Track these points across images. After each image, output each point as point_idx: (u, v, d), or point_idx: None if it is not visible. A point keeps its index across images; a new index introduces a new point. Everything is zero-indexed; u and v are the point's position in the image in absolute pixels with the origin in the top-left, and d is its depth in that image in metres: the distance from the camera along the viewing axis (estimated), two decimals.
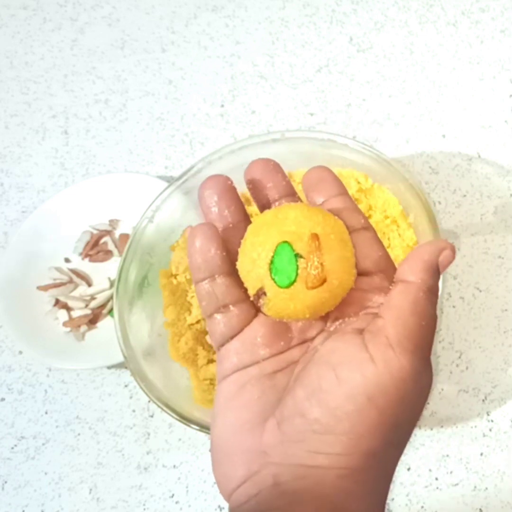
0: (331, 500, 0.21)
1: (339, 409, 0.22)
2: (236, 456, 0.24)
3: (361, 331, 0.23)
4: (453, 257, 0.24)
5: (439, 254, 0.24)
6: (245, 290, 0.26)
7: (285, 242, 0.24)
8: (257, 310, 0.27)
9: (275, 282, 0.24)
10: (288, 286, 0.24)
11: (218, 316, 0.26)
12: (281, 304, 0.25)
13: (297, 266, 0.24)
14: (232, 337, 0.26)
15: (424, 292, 0.23)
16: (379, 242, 0.26)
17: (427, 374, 0.23)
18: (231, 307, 0.26)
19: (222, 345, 0.26)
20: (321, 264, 0.24)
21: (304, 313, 0.25)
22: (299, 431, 0.22)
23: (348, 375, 0.22)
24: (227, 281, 0.26)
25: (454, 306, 0.50)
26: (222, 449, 0.24)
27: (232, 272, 0.26)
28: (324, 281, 0.24)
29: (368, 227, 0.27)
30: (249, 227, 0.26)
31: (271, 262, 0.24)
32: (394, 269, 0.25)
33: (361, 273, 0.26)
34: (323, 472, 0.22)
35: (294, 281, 0.24)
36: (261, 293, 0.25)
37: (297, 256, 0.24)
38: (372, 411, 0.21)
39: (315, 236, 0.24)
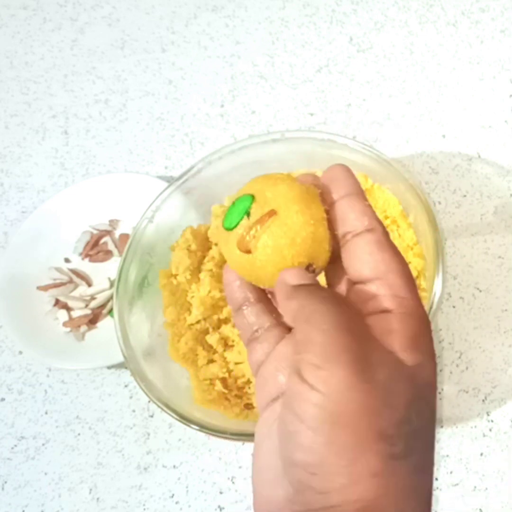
0: None
1: (314, 444, 0.21)
2: (266, 507, 0.24)
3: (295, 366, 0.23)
4: (297, 269, 0.24)
5: (284, 282, 0.24)
6: (277, 315, 0.27)
7: (251, 196, 0.25)
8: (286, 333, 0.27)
9: (224, 218, 0.26)
10: (227, 229, 0.25)
11: (251, 343, 0.27)
12: (220, 237, 0.26)
13: (239, 221, 0.25)
14: (263, 362, 0.26)
15: (302, 312, 0.22)
16: (385, 244, 0.24)
17: (385, 365, 0.22)
18: (261, 332, 0.26)
19: (256, 372, 0.26)
20: (254, 237, 0.24)
21: (234, 265, 0.26)
22: (300, 479, 0.22)
23: (301, 410, 0.21)
24: (258, 307, 0.27)
25: (454, 306, 0.50)
26: (255, 496, 0.25)
27: (263, 299, 0.27)
28: (248, 251, 0.24)
29: (373, 229, 0.24)
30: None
31: (233, 203, 0.25)
32: (398, 271, 0.24)
33: (358, 282, 0.24)
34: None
35: (231, 229, 0.25)
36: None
37: (248, 214, 0.25)
38: (344, 432, 0.20)
39: (272, 212, 0.24)
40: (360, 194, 0.26)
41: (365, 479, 0.20)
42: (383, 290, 0.23)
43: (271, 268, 0.24)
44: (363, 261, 0.24)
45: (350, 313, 0.22)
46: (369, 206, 0.25)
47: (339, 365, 0.21)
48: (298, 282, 0.23)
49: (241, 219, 0.25)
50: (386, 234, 0.25)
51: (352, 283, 0.25)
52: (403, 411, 0.21)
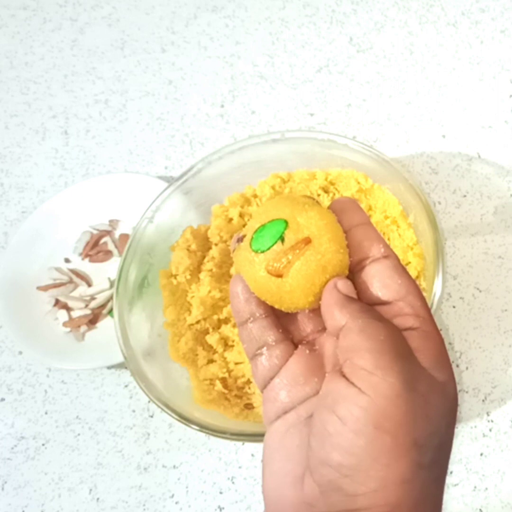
0: None
1: (353, 446, 0.22)
2: (284, 510, 0.24)
3: (340, 370, 0.24)
4: (346, 280, 0.25)
5: (337, 289, 0.24)
6: (283, 331, 0.27)
7: (285, 221, 0.25)
8: (295, 349, 0.27)
9: (251, 239, 0.25)
10: (256, 251, 0.25)
11: (257, 358, 0.27)
12: (242, 256, 0.26)
13: (272, 245, 0.25)
14: (271, 378, 0.26)
15: (356, 323, 0.24)
16: (400, 269, 0.26)
17: (424, 379, 0.23)
18: (268, 347, 0.27)
19: (265, 387, 0.27)
20: (288, 262, 0.24)
21: (249, 277, 0.25)
22: (330, 480, 0.22)
23: (347, 412, 0.22)
24: (265, 322, 0.27)
25: (454, 306, 0.50)
26: (271, 503, 0.25)
27: (270, 314, 0.27)
28: (279, 275, 0.25)
29: (389, 255, 0.26)
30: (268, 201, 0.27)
31: (264, 225, 0.25)
32: (417, 294, 0.25)
33: (379, 303, 0.26)
34: None
35: (262, 252, 0.25)
36: (240, 237, 0.26)
37: (282, 239, 0.25)
38: (384, 437, 0.22)
39: (308, 240, 0.25)
40: (371, 224, 0.27)
41: (394, 485, 0.22)
42: (407, 310, 0.25)
43: (298, 293, 0.25)
44: (384, 284, 0.25)
45: (398, 330, 0.24)
46: (381, 235, 0.27)
47: (391, 373, 0.22)
48: (348, 292, 0.25)
49: (274, 244, 0.25)
50: (399, 260, 0.26)
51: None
52: (436, 423, 0.23)
